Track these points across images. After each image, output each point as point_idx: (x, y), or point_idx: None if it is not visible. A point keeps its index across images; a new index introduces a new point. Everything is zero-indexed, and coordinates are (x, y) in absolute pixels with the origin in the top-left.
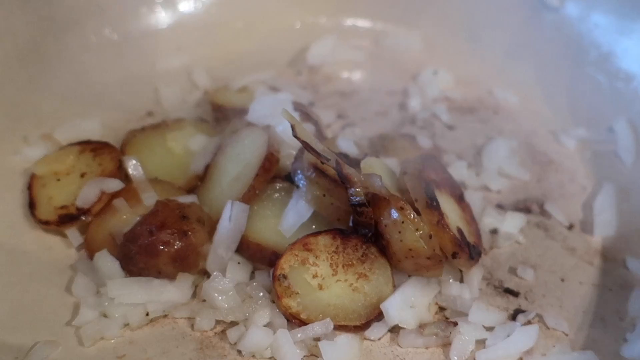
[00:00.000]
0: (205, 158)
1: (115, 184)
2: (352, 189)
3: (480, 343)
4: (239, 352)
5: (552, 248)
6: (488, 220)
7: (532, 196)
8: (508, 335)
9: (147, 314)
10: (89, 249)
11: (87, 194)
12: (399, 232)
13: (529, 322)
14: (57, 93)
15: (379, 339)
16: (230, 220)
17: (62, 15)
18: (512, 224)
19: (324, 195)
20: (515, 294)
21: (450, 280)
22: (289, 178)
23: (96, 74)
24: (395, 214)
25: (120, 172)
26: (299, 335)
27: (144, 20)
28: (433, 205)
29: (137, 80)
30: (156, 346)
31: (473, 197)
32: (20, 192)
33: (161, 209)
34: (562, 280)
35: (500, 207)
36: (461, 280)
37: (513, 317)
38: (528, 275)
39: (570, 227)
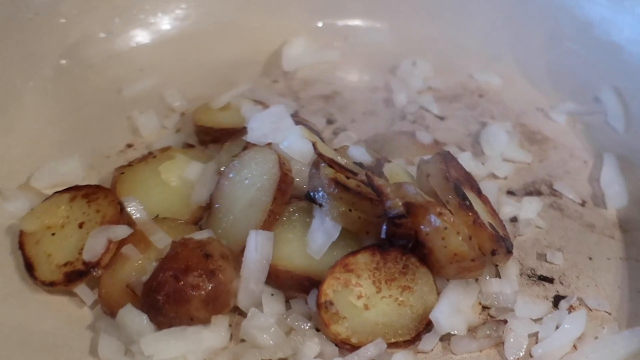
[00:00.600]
0: (207, 186)
1: (123, 231)
2: (389, 202)
3: (532, 337)
4: None
5: (571, 228)
6: (506, 210)
7: (538, 178)
8: (557, 325)
9: None
10: (106, 305)
11: (94, 246)
12: (442, 239)
13: (571, 308)
14: (23, 136)
15: (432, 350)
16: (257, 250)
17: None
18: (529, 209)
19: (350, 211)
20: (550, 280)
21: (488, 278)
22: (308, 197)
23: (62, 109)
24: (436, 221)
25: (123, 216)
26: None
27: (101, 46)
28: (466, 205)
29: (106, 110)
30: None
31: (487, 188)
32: (10, 253)
33: (181, 251)
34: (590, 258)
35: (511, 193)
36: (497, 276)
37: (555, 304)
38: (557, 259)
39: (583, 203)
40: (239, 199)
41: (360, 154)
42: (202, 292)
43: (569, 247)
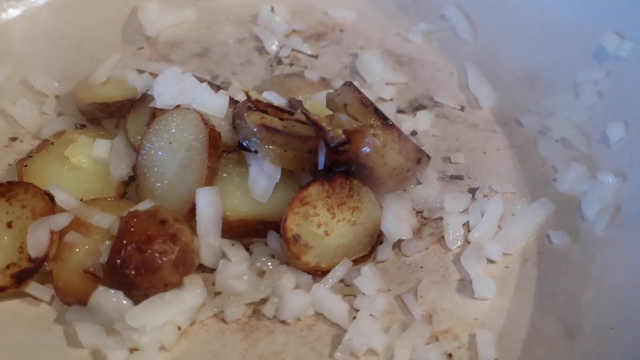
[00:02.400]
0: (124, 160)
1: (63, 219)
2: (331, 133)
3: (464, 226)
4: (284, 322)
5: (460, 130)
6: (406, 125)
7: (419, 94)
8: (482, 212)
9: (179, 328)
10: (66, 296)
11: (37, 240)
12: (382, 156)
13: (485, 195)
14: None
15: (387, 258)
16: (208, 207)
17: None
18: (424, 121)
19: (285, 151)
20: (460, 177)
21: (413, 186)
22: (240, 147)
23: None
24: (374, 142)
25: (54, 206)
26: (330, 282)
27: None
28: (390, 124)
29: None
30: (204, 353)
31: (384, 110)
32: None
33: (135, 223)
34: (485, 152)
35: (402, 111)
36: (418, 183)
37: (472, 195)
38: (459, 158)
39: (462, 108)
40: (167, 164)
41: (274, 98)
42: (172, 256)
43: (464, 147)
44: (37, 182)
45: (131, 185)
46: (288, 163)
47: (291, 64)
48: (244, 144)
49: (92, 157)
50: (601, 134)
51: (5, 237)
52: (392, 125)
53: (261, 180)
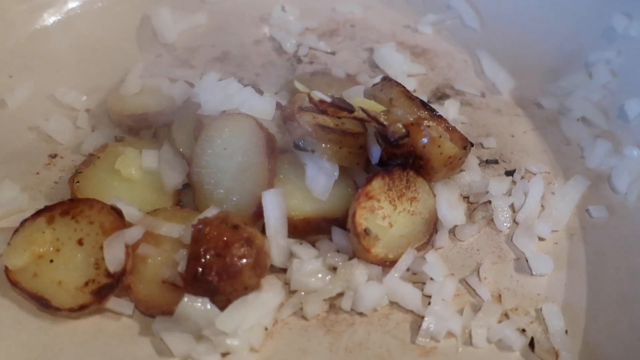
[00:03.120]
0: (175, 169)
1: (137, 232)
2: (391, 128)
3: (510, 207)
4: (361, 313)
5: (486, 116)
6: None
7: (440, 83)
8: (525, 193)
9: (266, 329)
10: (148, 307)
11: (115, 254)
12: (439, 147)
13: (523, 177)
14: None
15: (445, 245)
16: (275, 209)
17: None
18: (452, 110)
19: (341, 148)
20: (495, 161)
21: (459, 172)
22: (297, 147)
23: None
24: (431, 133)
25: (123, 219)
26: (400, 271)
27: None
28: (438, 114)
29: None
30: (293, 351)
31: None
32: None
33: (209, 231)
34: (512, 136)
35: (428, 102)
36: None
37: (511, 178)
38: (492, 143)
39: (483, 95)
40: (225, 170)
41: (322, 96)
42: (250, 260)
43: (492, 132)
44: (92, 196)
45: (184, 193)
46: (344, 160)
47: (311, 62)
48: (300, 144)
49: (143, 168)
50: (618, 110)
51: (78, 255)
52: (441, 116)
53: (320, 178)
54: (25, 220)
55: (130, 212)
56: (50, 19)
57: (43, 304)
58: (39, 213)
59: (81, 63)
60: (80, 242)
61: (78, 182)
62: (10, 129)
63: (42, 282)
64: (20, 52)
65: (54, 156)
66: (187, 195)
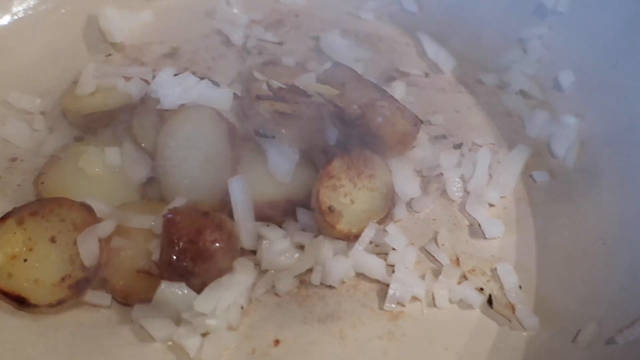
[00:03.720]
0: (139, 164)
1: (109, 226)
2: (347, 109)
3: (461, 178)
4: (330, 286)
5: (431, 95)
6: None
7: (385, 66)
8: (473, 163)
9: (242, 307)
10: (125, 297)
11: (89, 249)
12: (393, 125)
13: (470, 149)
14: None
15: (404, 217)
16: (242, 194)
17: None
18: (399, 91)
19: (300, 132)
20: (444, 136)
21: (411, 148)
22: (258, 134)
23: None
24: (384, 112)
25: (95, 215)
26: (364, 244)
27: None
28: (388, 94)
29: None
30: (269, 326)
31: None
32: None
33: (180, 219)
34: (457, 112)
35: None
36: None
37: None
38: (439, 120)
39: (427, 75)
40: (189, 160)
41: (280, 84)
42: (222, 244)
43: (439, 109)
44: (59, 195)
45: (149, 186)
46: (302, 143)
47: (260, 53)
48: (261, 131)
49: (106, 165)
50: (553, 81)
51: (52, 252)
52: (392, 96)
53: (281, 162)
54: None
55: (100, 207)
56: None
57: (20, 302)
58: (7, 215)
59: (31, 67)
60: (52, 240)
61: (43, 182)
62: None
63: (18, 281)
64: None
65: (14, 160)
66: (152, 188)
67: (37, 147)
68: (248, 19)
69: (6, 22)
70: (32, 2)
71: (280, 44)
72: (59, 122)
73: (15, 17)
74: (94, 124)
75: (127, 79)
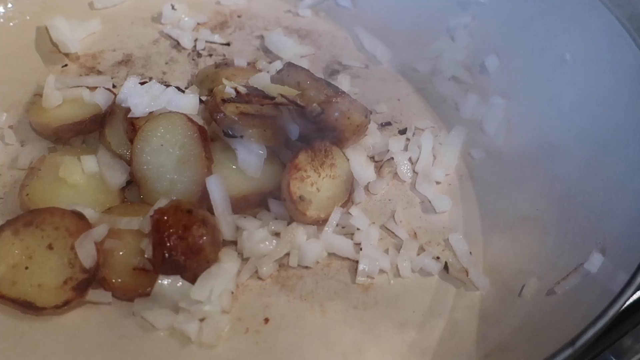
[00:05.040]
0: (116, 169)
1: (103, 230)
2: (309, 108)
3: (409, 160)
4: (307, 267)
5: (373, 85)
6: None
7: (328, 61)
8: (418, 146)
9: (232, 293)
10: (124, 293)
11: (87, 252)
12: (348, 118)
13: (414, 133)
14: None
15: (362, 201)
16: (218, 191)
17: None
18: (344, 84)
19: (265, 130)
20: (389, 123)
21: (363, 137)
22: (227, 135)
23: None
24: (340, 107)
25: (86, 221)
26: (332, 227)
27: None
28: (341, 90)
29: None
30: (257, 307)
31: None
32: None
33: (167, 218)
34: (399, 99)
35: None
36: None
37: (405, 136)
38: (383, 108)
39: (367, 66)
40: (165, 163)
41: (245, 89)
42: (208, 237)
43: (382, 98)
44: (43, 204)
45: (127, 189)
46: (268, 140)
47: (210, 55)
48: (229, 132)
49: (85, 173)
50: (480, 66)
51: (51, 259)
52: (344, 92)
53: (251, 159)
54: None
55: (88, 213)
56: None
57: (27, 307)
58: (2, 228)
59: None
60: (50, 247)
61: (27, 194)
62: None
63: (22, 287)
64: None
65: None
66: (131, 191)
67: (12, 160)
68: (194, 22)
69: None
70: None
71: (228, 44)
72: (28, 134)
73: None
74: (64, 134)
75: (92, 88)
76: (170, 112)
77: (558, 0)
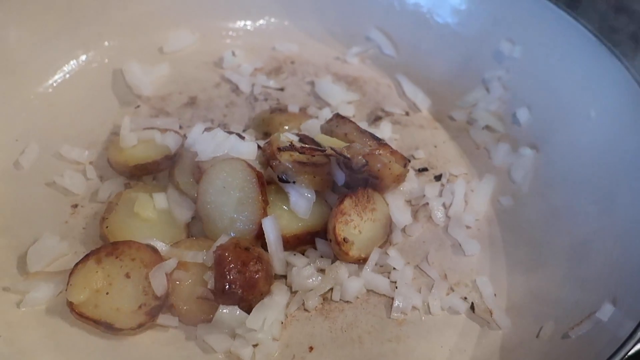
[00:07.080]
0: (184, 206)
1: (173, 262)
2: (354, 159)
3: (443, 205)
4: (347, 301)
5: (412, 132)
6: None
7: (372, 107)
8: (452, 192)
9: (282, 322)
10: (189, 319)
11: (159, 282)
12: (389, 169)
13: (449, 180)
14: None
15: (400, 241)
16: (272, 231)
17: None
18: (386, 130)
19: (314, 177)
20: (425, 169)
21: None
22: (281, 180)
23: None
24: (382, 159)
25: (159, 254)
26: (371, 266)
27: None
28: (383, 142)
29: (16, 192)
30: (304, 335)
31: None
32: (71, 326)
33: (228, 254)
34: (435, 146)
35: (367, 125)
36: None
37: (440, 182)
38: (420, 154)
39: (407, 113)
40: (226, 204)
41: (292, 136)
42: (263, 272)
43: (420, 144)
44: (121, 238)
45: (192, 225)
46: (317, 185)
47: (265, 99)
48: (283, 177)
49: (157, 209)
50: (512, 117)
51: (128, 286)
52: (386, 143)
53: (301, 202)
54: (77, 264)
55: (159, 246)
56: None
57: (107, 327)
58: (87, 257)
59: (75, 121)
60: (127, 276)
61: (107, 227)
62: (30, 187)
63: (104, 311)
64: (20, 117)
65: (75, 206)
66: (195, 226)
67: (92, 194)
68: (252, 67)
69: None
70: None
71: (282, 89)
72: (105, 170)
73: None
74: (138, 172)
75: (163, 131)
76: (232, 157)
77: (584, 61)
